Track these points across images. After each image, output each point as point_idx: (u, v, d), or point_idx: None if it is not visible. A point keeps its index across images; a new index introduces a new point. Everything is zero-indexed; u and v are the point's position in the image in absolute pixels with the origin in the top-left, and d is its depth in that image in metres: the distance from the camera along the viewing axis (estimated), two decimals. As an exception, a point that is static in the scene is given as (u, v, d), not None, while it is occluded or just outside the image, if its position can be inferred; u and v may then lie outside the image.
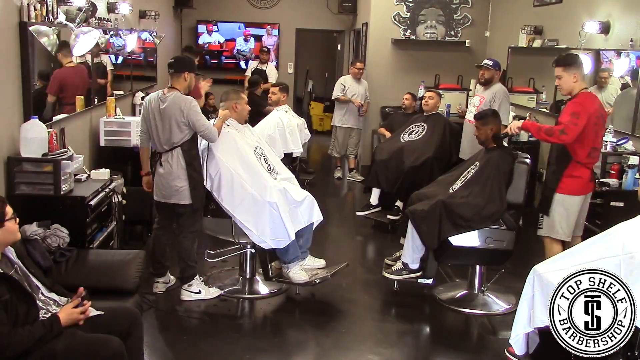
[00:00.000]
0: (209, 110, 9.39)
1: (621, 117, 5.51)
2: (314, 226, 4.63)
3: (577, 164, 4.19)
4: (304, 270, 4.47)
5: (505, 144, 4.62)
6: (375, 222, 6.43)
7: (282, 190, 4.34)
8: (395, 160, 6.08)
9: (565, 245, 4.25)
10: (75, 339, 2.70)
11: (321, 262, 4.67)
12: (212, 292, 4.50)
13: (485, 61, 6.10)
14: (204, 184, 4.30)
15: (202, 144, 4.38)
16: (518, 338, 3.08)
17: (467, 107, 6.45)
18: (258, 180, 4.31)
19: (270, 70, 9.82)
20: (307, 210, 4.49)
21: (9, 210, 2.75)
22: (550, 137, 4.16)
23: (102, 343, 2.71)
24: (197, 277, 4.49)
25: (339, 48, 11.52)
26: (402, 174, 5.98)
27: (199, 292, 4.44)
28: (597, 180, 4.67)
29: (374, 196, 6.44)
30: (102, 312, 2.90)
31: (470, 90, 8.50)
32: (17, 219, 2.80)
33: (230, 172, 4.29)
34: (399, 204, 6.21)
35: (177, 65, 4.25)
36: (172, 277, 4.64)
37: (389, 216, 6.27)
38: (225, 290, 4.61)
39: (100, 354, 2.68)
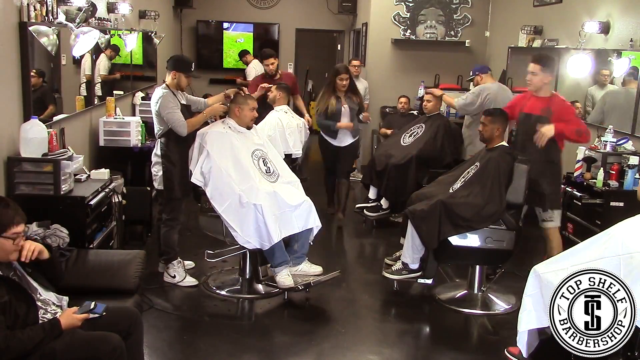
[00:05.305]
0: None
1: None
2: (314, 233, 4.54)
3: (560, 152, 4.61)
4: (299, 275, 4.42)
5: (505, 143, 4.61)
6: (376, 222, 6.43)
7: (272, 193, 4.31)
8: (385, 158, 6.11)
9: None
10: (75, 337, 2.71)
11: (317, 269, 4.52)
12: (187, 281, 4.69)
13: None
14: (191, 179, 4.39)
15: (197, 140, 4.46)
16: (522, 336, 3.07)
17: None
18: (247, 182, 4.32)
19: (249, 70, 9.41)
20: (303, 216, 4.41)
21: (17, 229, 2.68)
22: (579, 138, 4.50)
23: (102, 339, 2.73)
24: (175, 261, 4.71)
25: (339, 48, 11.51)
26: (387, 172, 6.01)
27: (174, 277, 4.68)
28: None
29: (372, 192, 6.47)
30: (105, 313, 2.89)
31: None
32: (22, 244, 2.74)
33: (221, 171, 4.32)
34: (383, 202, 6.22)
35: (169, 62, 4.63)
36: (187, 262, 4.90)
37: (366, 212, 6.30)
38: (225, 290, 4.62)
39: (100, 349, 2.69)
